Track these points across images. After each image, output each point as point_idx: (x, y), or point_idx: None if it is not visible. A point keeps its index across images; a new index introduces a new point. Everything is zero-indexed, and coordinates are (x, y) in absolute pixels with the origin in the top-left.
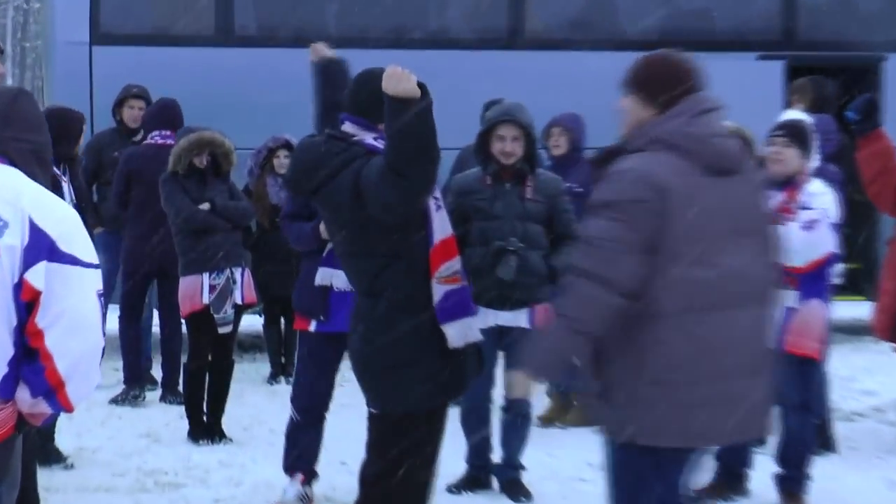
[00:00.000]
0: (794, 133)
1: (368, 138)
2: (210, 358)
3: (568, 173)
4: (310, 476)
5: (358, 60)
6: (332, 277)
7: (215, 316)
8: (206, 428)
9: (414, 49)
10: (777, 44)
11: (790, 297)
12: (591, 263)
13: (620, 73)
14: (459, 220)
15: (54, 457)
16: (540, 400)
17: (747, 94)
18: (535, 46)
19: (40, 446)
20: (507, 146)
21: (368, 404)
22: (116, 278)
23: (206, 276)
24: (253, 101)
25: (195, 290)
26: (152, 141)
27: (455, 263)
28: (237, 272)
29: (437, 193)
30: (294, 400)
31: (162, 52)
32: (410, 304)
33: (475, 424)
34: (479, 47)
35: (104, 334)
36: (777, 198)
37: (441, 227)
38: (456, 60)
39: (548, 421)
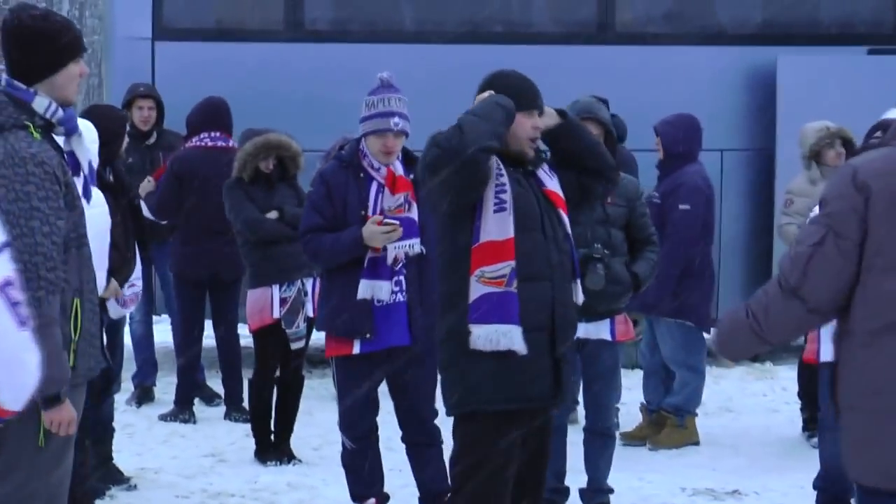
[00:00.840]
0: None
1: None
2: (278, 374)
3: (660, 179)
4: (382, 499)
5: (433, 56)
6: (375, 289)
7: (287, 331)
8: (273, 448)
9: (493, 44)
10: (890, 38)
11: None
12: (786, 268)
13: (717, 69)
14: None
15: (115, 477)
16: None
17: (858, 90)
18: (627, 41)
19: (97, 466)
20: None
21: None
22: (152, 288)
23: (276, 288)
24: (323, 99)
25: (265, 303)
26: (201, 143)
27: (504, 267)
28: (308, 283)
29: (505, 196)
30: (344, 429)
31: (227, 47)
32: (453, 302)
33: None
34: (566, 42)
35: (23, 324)
36: None
37: (496, 228)
38: (540, 56)
39: (633, 438)
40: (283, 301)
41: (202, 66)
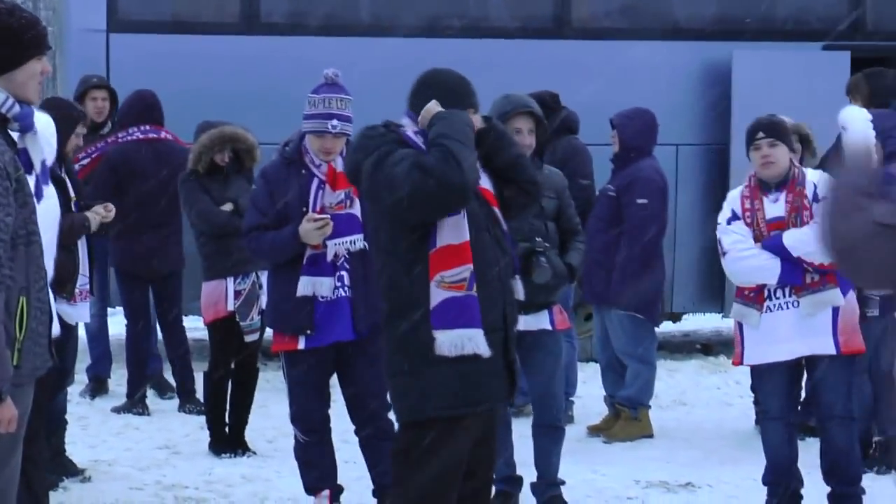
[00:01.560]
0: (774, 131)
1: (409, 130)
2: (233, 366)
3: (614, 173)
4: (336, 491)
5: (389, 50)
6: (316, 285)
7: (241, 323)
8: (228, 440)
9: (450, 38)
10: (844, 33)
11: (836, 296)
12: None
13: (672, 64)
14: None
15: (69, 469)
16: (575, 408)
17: (813, 85)
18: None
19: (50, 459)
20: (526, 139)
21: None
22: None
23: (230, 280)
24: (278, 92)
25: (219, 295)
26: (132, 137)
27: (463, 271)
28: (263, 276)
29: None
30: (296, 422)
31: (183, 40)
32: (408, 308)
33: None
34: (523, 36)
35: None
36: (780, 200)
37: (452, 232)
38: (497, 50)
39: (598, 430)
40: (237, 294)
41: (158, 58)
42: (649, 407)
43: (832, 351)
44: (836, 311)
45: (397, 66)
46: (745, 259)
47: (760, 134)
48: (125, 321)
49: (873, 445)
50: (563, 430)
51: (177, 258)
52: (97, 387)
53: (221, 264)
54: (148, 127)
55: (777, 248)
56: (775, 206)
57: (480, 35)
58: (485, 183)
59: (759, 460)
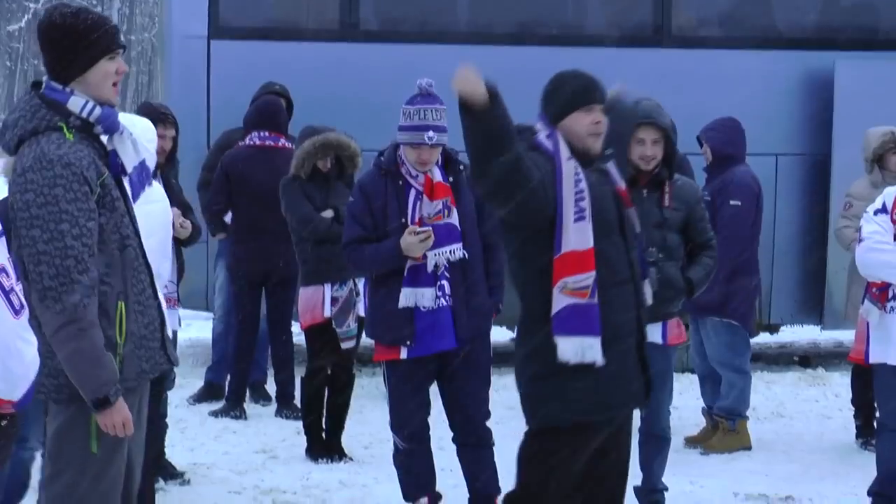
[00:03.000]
0: None
1: (541, 134)
2: (329, 372)
3: (708, 181)
4: (435, 499)
5: (484, 57)
6: (417, 297)
7: (337, 330)
8: (325, 445)
9: (547, 46)
10: None
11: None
12: None
13: (775, 73)
14: None
15: (168, 472)
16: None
17: None
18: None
19: (152, 461)
20: (648, 150)
21: None
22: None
23: (327, 287)
24: (378, 99)
25: (316, 301)
26: (250, 143)
27: (586, 278)
28: (360, 283)
29: (584, 203)
30: (396, 429)
31: (283, 47)
32: (537, 314)
33: None
34: (622, 44)
35: (17, 312)
36: None
37: (577, 238)
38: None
39: (697, 442)
40: (334, 300)
41: (258, 65)
42: (747, 418)
43: None
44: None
45: (494, 74)
46: (878, 252)
47: None
48: (232, 325)
49: None
50: (669, 440)
51: (290, 264)
52: (208, 392)
53: (319, 270)
54: (266, 133)
55: None
56: None
57: (577, 43)
58: (622, 184)
59: (861, 475)
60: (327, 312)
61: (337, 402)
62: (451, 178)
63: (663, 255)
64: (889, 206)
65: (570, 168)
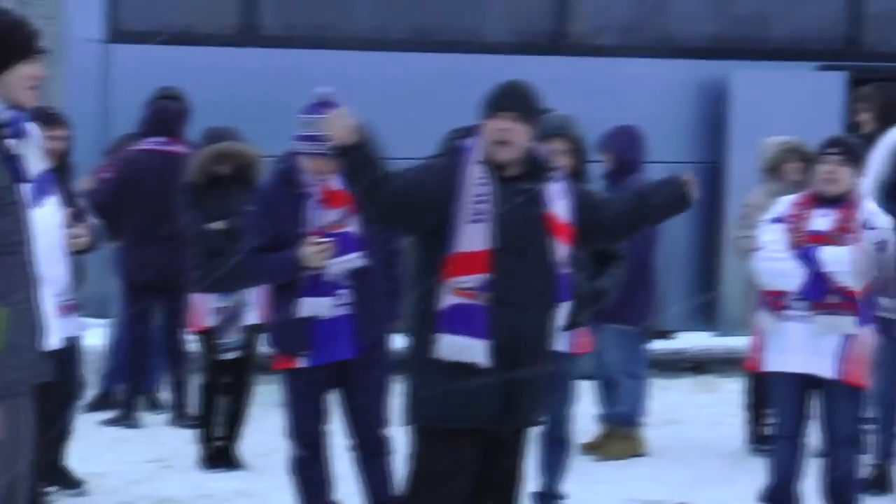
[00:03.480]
0: (848, 151)
1: (467, 141)
2: (225, 379)
3: (608, 190)
4: None
5: (384, 64)
6: (316, 306)
7: (218, 341)
8: (220, 454)
9: (447, 52)
10: (840, 53)
11: (850, 325)
12: None
13: (670, 82)
14: None
15: (68, 481)
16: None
17: (808, 105)
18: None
19: (47, 468)
20: (558, 161)
21: None
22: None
23: (212, 297)
24: (279, 104)
25: (202, 308)
26: (144, 147)
27: (475, 280)
28: (252, 291)
29: (483, 207)
30: (293, 437)
31: (182, 51)
32: (420, 310)
33: None
34: (519, 52)
35: None
36: (830, 216)
37: (470, 239)
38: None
39: (592, 449)
40: (218, 310)
41: (158, 69)
42: (642, 425)
43: (833, 375)
44: (847, 338)
45: (393, 80)
46: (773, 260)
47: (832, 149)
48: (121, 333)
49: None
50: (569, 445)
51: (183, 272)
52: (102, 400)
53: (205, 279)
54: (161, 139)
55: (810, 259)
56: (821, 221)
57: (475, 50)
58: (557, 207)
59: (753, 480)
60: (210, 321)
61: (232, 408)
62: None
63: (573, 266)
64: (785, 214)
65: (474, 171)
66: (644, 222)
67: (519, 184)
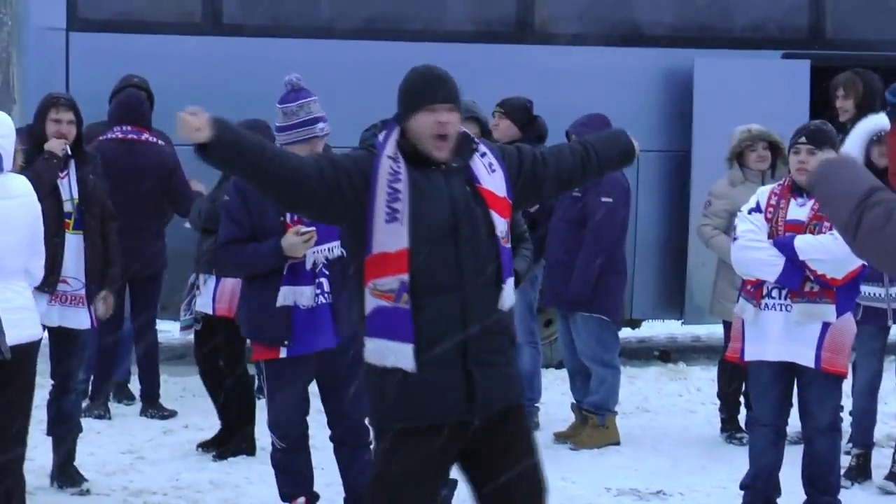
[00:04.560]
0: (819, 140)
1: (381, 136)
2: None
3: None
4: (312, 499)
5: (345, 52)
6: (297, 295)
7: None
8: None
9: (410, 41)
10: (804, 42)
11: (828, 312)
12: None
13: (634, 70)
14: None
15: (75, 480)
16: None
17: (772, 93)
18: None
19: (59, 466)
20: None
21: None
22: None
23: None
24: (241, 93)
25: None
26: (114, 136)
27: (393, 282)
28: (209, 279)
29: (398, 205)
30: (274, 428)
31: (144, 39)
32: (359, 314)
33: None
34: (485, 41)
35: None
36: (807, 205)
37: (387, 240)
38: (460, 54)
39: (566, 438)
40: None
41: (118, 57)
42: (616, 413)
43: (812, 364)
44: (826, 326)
45: (354, 70)
46: (751, 250)
47: (803, 139)
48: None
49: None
50: None
51: (154, 260)
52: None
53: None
54: (129, 127)
55: (786, 248)
56: (800, 210)
57: (439, 39)
58: (488, 182)
59: (729, 468)
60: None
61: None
62: None
63: None
64: (763, 204)
65: (385, 167)
66: (591, 173)
67: (442, 167)
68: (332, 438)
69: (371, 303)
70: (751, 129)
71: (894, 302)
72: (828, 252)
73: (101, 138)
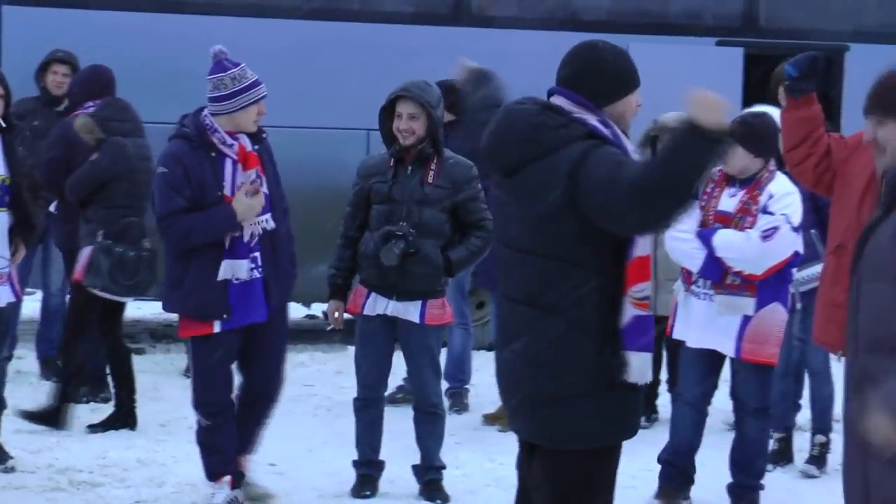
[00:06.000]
0: (742, 134)
1: (592, 119)
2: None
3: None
4: (238, 479)
5: (281, 31)
6: (235, 268)
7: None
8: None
9: (345, 21)
10: (737, 30)
11: (747, 306)
12: None
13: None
14: (362, 204)
15: (1, 457)
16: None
17: (704, 81)
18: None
19: None
20: (403, 124)
21: (526, 435)
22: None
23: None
24: (167, 69)
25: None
26: (84, 111)
27: (647, 287)
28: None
29: None
30: (200, 406)
31: (75, 14)
32: (594, 326)
33: (369, 419)
34: (420, 22)
35: None
36: (737, 196)
37: (643, 241)
38: (394, 36)
39: (496, 420)
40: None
41: (52, 32)
42: None
43: (732, 353)
44: (747, 317)
45: (291, 49)
46: (678, 241)
47: None
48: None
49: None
50: (441, 417)
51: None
52: (44, 368)
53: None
54: (96, 103)
55: (707, 241)
56: (730, 201)
57: (374, 20)
58: None
59: (652, 451)
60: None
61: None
62: (256, 147)
63: (417, 231)
64: (699, 192)
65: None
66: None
67: None
68: (241, 408)
69: (630, 312)
70: (655, 120)
71: (801, 286)
72: (739, 252)
73: (75, 113)
